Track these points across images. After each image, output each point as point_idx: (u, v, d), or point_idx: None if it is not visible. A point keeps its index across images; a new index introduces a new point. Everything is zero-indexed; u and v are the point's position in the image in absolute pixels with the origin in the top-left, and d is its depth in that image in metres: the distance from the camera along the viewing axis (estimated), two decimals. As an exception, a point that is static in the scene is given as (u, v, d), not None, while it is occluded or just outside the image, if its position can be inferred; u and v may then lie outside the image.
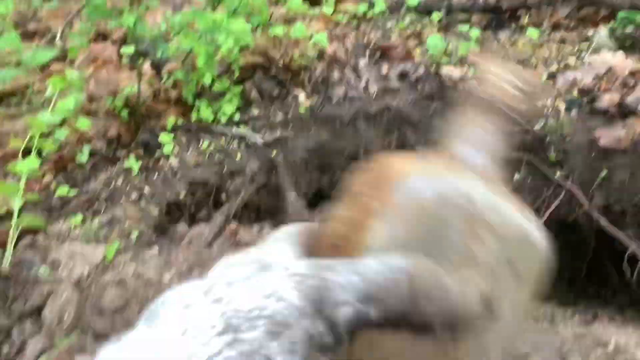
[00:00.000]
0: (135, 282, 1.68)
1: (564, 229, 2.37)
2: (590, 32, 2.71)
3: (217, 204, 2.25)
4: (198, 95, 2.35)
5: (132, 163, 2.15)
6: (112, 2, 2.46)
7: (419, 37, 2.65)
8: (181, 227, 2.11)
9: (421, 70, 2.43)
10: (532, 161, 2.24)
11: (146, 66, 2.54)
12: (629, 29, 2.54)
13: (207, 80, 2.21)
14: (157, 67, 2.55)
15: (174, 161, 2.21)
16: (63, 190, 2.02)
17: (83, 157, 2.15)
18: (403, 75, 2.47)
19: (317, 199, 2.69)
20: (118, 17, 2.04)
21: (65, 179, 2.10)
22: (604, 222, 2.06)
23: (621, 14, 2.53)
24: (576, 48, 2.52)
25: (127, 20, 1.96)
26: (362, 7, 2.95)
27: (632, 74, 2.23)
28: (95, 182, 2.11)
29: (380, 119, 2.45)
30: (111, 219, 1.94)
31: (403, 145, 2.51)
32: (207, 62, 2.18)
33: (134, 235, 1.90)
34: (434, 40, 2.43)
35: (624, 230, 2.07)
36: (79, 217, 1.93)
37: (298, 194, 2.43)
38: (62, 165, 2.15)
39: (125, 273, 1.70)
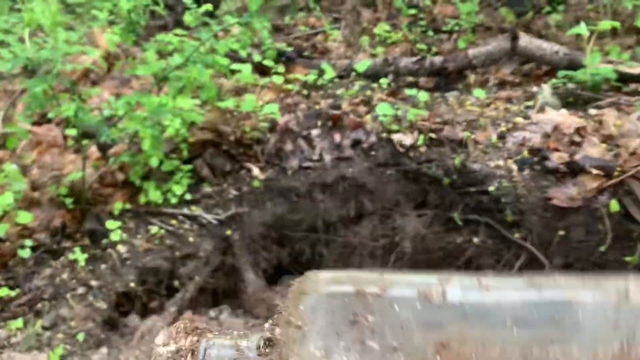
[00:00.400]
0: (80, 394, 1.54)
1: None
2: (534, 89, 2.78)
3: (171, 291, 2.14)
4: (146, 177, 2.27)
5: (78, 255, 2.04)
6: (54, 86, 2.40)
7: (368, 103, 2.66)
8: (132, 320, 1.99)
9: (373, 138, 2.42)
10: (489, 223, 2.23)
11: (92, 149, 2.46)
12: (570, 86, 2.62)
13: (154, 162, 2.14)
14: (103, 149, 2.48)
15: (122, 249, 2.11)
16: (2, 292, 1.88)
17: (25, 252, 2.02)
18: (356, 144, 2.46)
19: (278, 274, 2.61)
20: (57, 106, 1.97)
21: (5, 278, 1.96)
22: (566, 282, 2.04)
23: (560, 72, 2.62)
24: (522, 106, 2.57)
25: (66, 110, 1.89)
26: (311, 75, 2.97)
27: (578, 130, 2.27)
28: (38, 279, 1.98)
29: (336, 188, 2.42)
30: (55, 320, 1.81)
31: (361, 214, 2.47)
32: (154, 144, 2.12)
33: (81, 336, 1.77)
34: (384, 108, 2.45)
35: (586, 288, 2.06)
36: (19, 321, 1.80)
37: (257, 272, 2.35)
38: (1, 263, 2.02)
39: (69, 384, 1.57)
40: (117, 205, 2.22)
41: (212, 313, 2.15)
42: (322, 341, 0.58)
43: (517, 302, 0.59)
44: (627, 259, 1.92)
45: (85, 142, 2.26)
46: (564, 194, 2.08)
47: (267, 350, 0.61)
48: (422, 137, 2.34)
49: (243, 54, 2.45)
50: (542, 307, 0.58)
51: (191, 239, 2.20)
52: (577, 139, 2.26)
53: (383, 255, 2.50)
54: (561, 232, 2.06)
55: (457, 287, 0.60)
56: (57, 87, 2.30)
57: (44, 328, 1.78)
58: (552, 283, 0.61)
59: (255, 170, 2.44)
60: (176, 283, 2.14)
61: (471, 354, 0.58)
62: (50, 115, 2.39)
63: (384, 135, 2.43)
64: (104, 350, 1.78)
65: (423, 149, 2.35)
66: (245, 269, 2.29)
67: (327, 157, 2.44)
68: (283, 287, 2.55)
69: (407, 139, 2.36)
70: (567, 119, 2.35)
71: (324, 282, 0.63)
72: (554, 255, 2.10)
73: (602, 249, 1.98)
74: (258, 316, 2.24)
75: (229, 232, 2.29)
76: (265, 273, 2.46)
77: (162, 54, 2.58)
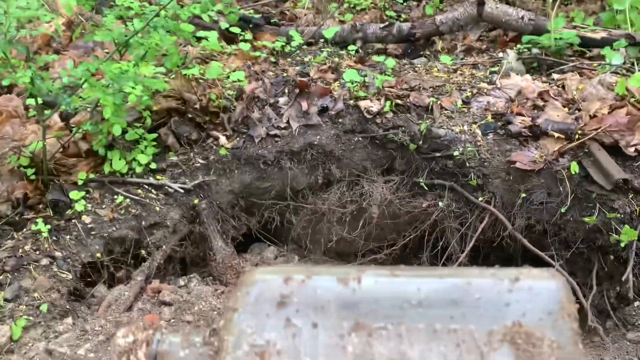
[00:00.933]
0: (45, 362, 1.54)
1: (494, 249, 2.40)
2: (500, 54, 2.80)
3: (138, 261, 2.13)
4: (110, 146, 2.23)
5: (41, 226, 2.01)
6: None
7: (336, 70, 2.64)
8: (99, 290, 1.99)
9: (340, 105, 2.42)
10: (454, 187, 2.26)
11: (54, 118, 2.41)
12: (535, 51, 2.64)
13: (117, 131, 2.10)
14: (65, 118, 2.42)
15: (87, 219, 2.08)
16: (-38, 264, 1.85)
17: (-15, 224, 1.99)
18: (323, 111, 2.45)
19: (248, 242, 2.62)
20: (12, 73, 1.90)
21: (-34, 251, 1.93)
22: (527, 243, 2.10)
23: (525, 38, 2.63)
24: (488, 72, 2.59)
25: (21, 78, 1.83)
26: (279, 42, 2.93)
27: (541, 95, 2.30)
28: (-1, 251, 1.95)
29: (304, 156, 2.42)
30: (17, 292, 1.79)
31: (329, 181, 2.48)
32: (116, 112, 2.08)
33: (44, 307, 1.76)
34: (351, 75, 2.43)
35: (546, 249, 2.12)
36: (-20, 294, 1.77)
37: (226, 240, 2.35)
38: (-39, 235, 1.98)
39: (34, 353, 1.56)
40: (81, 175, 2.18)
41: (182, 281, 2.15)
42: (253, 320, 0.66)
43: (422, 286, 0.68)
44: (586, 219, 1.98)
45: (46, 112, 2.21)
46: (527, 157, 2.12)
47: (211, 339, 0.70)
48: (389, 103, 2.34)
49: (206, 19, 2.39)
50: (444, 291, 0.67)
51: (158, 208, 2.18)
52: (540, 103, 2.29)
53: (351, 221, 2.52)
54: (523, 195, 2.10)
55: (371, 275, 0.70)
56: (16, 56, 2.23)
57: (6, 300, 1.77)
58: (454, 272, 0.72)
59: (222, 139, 2.42)
60: (143, 252, 2.13)
61: (382, 330, 0.66)
62: (4, 82, 2.32)
63: (352, 102, 2.42)
64: (69, 320, 1.77)
65: (390, 116, 2.35)
66: (214, 237, 2.29)
67: (295, 125, 2.43)
68: (253, 255, 2.56)
69: (374, 106, 2.36)
70: (531, 84, 2.38)
71: (260, 273, 0.71)
72: (517, 217, 2.15)
73: (563, 210, 2.03)
74: (227, 283, 2.25)
75: (196, 201, 2.28)
76: (234, 241, 2.47)
77: (123, 20, 2.51)
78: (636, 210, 1.90)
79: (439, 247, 2.39)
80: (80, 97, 2.22)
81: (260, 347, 0.66)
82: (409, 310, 0.67)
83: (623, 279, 1.88)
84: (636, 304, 1.93)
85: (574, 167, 2.03)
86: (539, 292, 0.67)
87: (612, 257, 1.98)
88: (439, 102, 2.35)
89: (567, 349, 0.64)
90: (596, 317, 1.96)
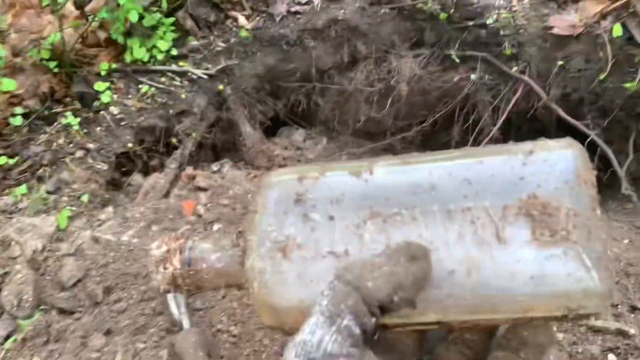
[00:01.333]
0: (93, 249, 1.63)
1: (526, 121, 2.34)
2: None
3: (170, 149, 2.16)
4: (128, 34, 2.17)
5: (71, 119, 2.03)
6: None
7: None
8: (135, 179, 2.04)
9: (364, -26, 2.26)
10: (487, 58, 2.16)
11: (69, 7, 2.33)
12: None
13: (133, 17, 2.03)
14: (80, 7, 2.34)
15: (115, 110, 2.09)
16: (2, 160, 1.91)
17: (17, 120, 2.01)
18: (346, -18, 2.30)
19: (276, 126, 2.61)
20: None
21: (3, 147, 1.97)
22: (562, 112, 2.03)
23: None
24: None
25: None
26: None
27: (584, -50, 2.09)
28: (35, 146, 1.99)
29: (328, 33, 2.31)
30: (58, 184, 1.85)
31: (355, 59, 2.39)
32: (130, -3, 1.99)
33: (85, 198, 1.82)
34: (374, -61, 2.24)
35: (582, 118, 2.05)
36: (23, 188, 1.84)
37: (254, 125, 2.34)
38: (-4, 132, 2.02)
39: (81, 240, 1.65)
40: (103, 66, 2.16)
41: (214, 167, 2.18)
42: (273, 219, 0.68)
43: (433, 170, 0.67)
44: (627, 85, 1.88)
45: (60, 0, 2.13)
46: (565, 21, 1.98)
47: (238, 240, 0.73)
48: (415, -31, 2.18)
49: None
50: (456, 171, 0.66)
51: (183, 96, 2.16)
52: (583, -41, 2.09)
53: (379, 100, 2.46)
54: (560, 62, 2.00)
55: (383, 165, 0.70)
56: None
57: (48, 192, 1.83)
58: (466, 152, 0.68)
59: (242, 19, 2.32)
60: (174, 140, 2.15)
61: (396, 216, 0.67)
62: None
63: (376, -30, 2.26)
64: (109, 209, 1.84)
65: (418, -17, 2.19)
66: (242, 123, 2.28)
67: None
68: (282, 138, 2.57)
69: (400, -27, 2.19)
70: (574, -63, 2.16)
71: (275, 175, 0.72)
72: (552, 87, 2.06)
73: (602, 77, 1.93)
74: (259, 167, 2.28)
75: (221, 87, 2.24)
76: (262, 125, 2.46)
77: None
78: (682, 73, 1.79)
79: (470, 122, 2.33)
80: (92, -18, 2.12)
81: (281, 243, 0.68)
82: (422, 195, 0.67)
83: (662, 145, 1.83)
84: (673, 170, 1.89)
85: (617, 30, 1.89)
86: (554, 162, 0.64)
87: (651, 123, 1.91)
88: (471, -35, 2.17)
89: (585, 214, 0.63)
90: (630, 185, 1.94)
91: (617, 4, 1.93)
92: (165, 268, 0.74)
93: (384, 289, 0.56)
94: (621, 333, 1.25)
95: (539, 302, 0.62)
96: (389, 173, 0.70)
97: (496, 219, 0.64)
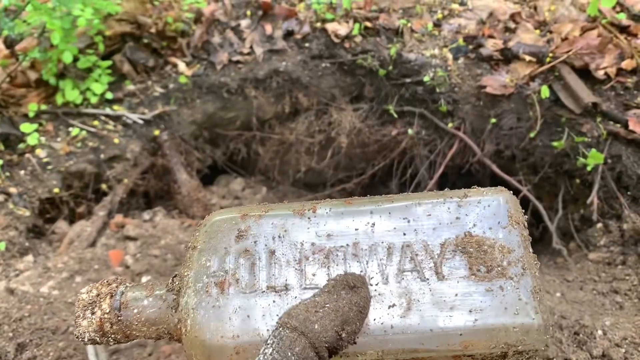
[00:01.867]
0: (6, 302, 1.48)
1: (462, 177, 2.41)
2: (471, -25, 2.69)
3: (99, 196, 2.05)
4: (61, 75, 2.09)
5: (-8, 161, 1.89)
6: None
7: (301, -9, 2.50)
8: (59, 226, 1.91)
9: (307, 28, 2.30)
10: (424, 114, 2.22)
11: (-3, 45, 2.23)
12: (507, -30, 2.54)
13: (67, 59, 1.95)
14: (10, 45, 2.24)
15: (42, 153, 1.97)
16: None
17: None
18: (289, 35, 2.33)
19: (214, 174, 2.55)
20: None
21: None
22: (495, 168, 2.10)
23: (498, -44, 2.51)
24: (459, -7, 2.48)
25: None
26: (239, -39, 2.74)
27: (512, 17, 2.23)
28: (-52, 188, 1.83)
29: (270, 83, 2.32)
30: (-29, 230, 1.70)
31: (297, 110, 2.40)
32: (65, 38, 1.92)
33: (2, 245, 1.68)
34: (316, -5, 2.30)
35: (514, 174, 2.12)
36: None
37: (190, 172, 2.28)
38: None
39: (-6, 292, 1.50)
40: (32, 107, 2.05)
41: (146, 215, 2.09)
42: (212, 254, 0.68)
43: (374, 210, 0.72)
44: (555, 144, 1.97)
45: (-13, 37, 2.03)
46: (497, 81, 2.08)
47: (174, 284, 0.71)
48: (357, 26, 2.24)
49: None
50: (396, 212, 0.71)
51: (116, 141, 2.08)
52: (511, 25, 2.22)
53: (320, 151, 2.47)
54: (493, 120, 2.08)
55: (326, 205, 0.73)
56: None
57: (-39, 239, 1.68)
58: (406, 196, 0.73)
59: (182, 66, 2.29)
60: (104, 186, 2.04)
61: (338, 252, 0.69)
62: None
63: (318, 25, 2.31)
64: (29, 258, 1.71)
65: (358, 40, 2.26)
66: (178, 170, 2.21)
67: (259, 50, 2.32)
68: (220, 187, 2.51)
69: (342, 29, 2.25)
70: (502, 5, 2.30)
71: (218, 213, 0.73)
72: (486, 143, 2.13)
73: (532, 135, 2.02)
74: (194, 216, 2.20)
75: (157, 132, 2.18)
76: (199, 173, 2.40)
77: None
78: (603, 134, 1.89)
79: (408, 175, 2.37)
80: (25, 22, 2.04)
81: (219, 277, 0.67)
82: (363, 232, 0.70)
83: (588, 201, 1.91)
84: (598, 225, 1.96)
85: (545, 91, 2.00)
86: (487, 204, 0.69)
87: (578, 180, 2.00)
88: (409, 24, 2.26)
89: (518, 252, 0.66)
90: (560, 239, 2.00)
91: (544, 67, 2.05)
92: (92, 313, 0.68)
93: (331, 328, 0.54)
94: (558, 387, 1.24)
95: (478, 337, 0.63)
96: (332, 212, 0.71)
97: (435, 256, 0.67)
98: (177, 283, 0.70)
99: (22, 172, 1.93)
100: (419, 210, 0.69)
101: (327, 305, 0.57)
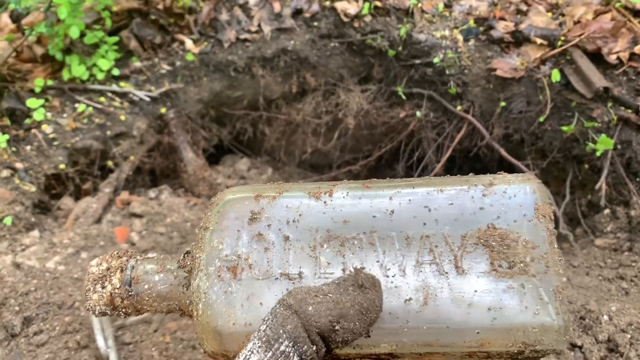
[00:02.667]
0: (13, 276, 1.49)
1: (469, 160, 2.39)
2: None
3: (105, 172, 2.04)
4: (67, 50, 2.07)
5: (-2, 136, 1.89)
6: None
7: (310, -31, 2.46)
8: (65, 202, 1.91)
9: (315, 7, 2.27)
10: (432, 96, 2.20)
11: (4, 19, 2.21)
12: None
13: (74, 34, 1.93)
14: (16, 19, 2.22)
15: (48, 129, 1.96)
16: None
17: (-64, 134, 1.85)
18: (297, 13, 2.30)
19: (219, 153, 2.54)
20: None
21: None
22: (504, 152, 2.08)
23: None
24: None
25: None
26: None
27: (525, -1, 2.20)
28: (-45, 162, 1.83)
29: (278, 62, 2.30)
30: (-22, 205, 1.70)
31: (304, 90, 2.38)
32: (72, 12, 1.91)
33: (8, 220, 1.68)
34: (326, -27, 2.27)
35: (523, 158, 2.11)
36: (-63, 206, 1.68)
37: (196, 151, 2.27)
38: None
39: (1, 266, 1.50)
40: (38, 82, 2.04)
41: (152, 193, 2.09)
42: (225, 236, 0.66)
43: (394, 196, 0.67)
44: (564, 128, 1.95)
45: (-7, 11, 2.01)
46: (508, 64, 2.05)
47: (185, 261, 0.69)
48: (367, 5, 2.21)
49: None
50: (416, 199, 0.67)
51: (123, 117, 2.07)
52: (523, 7, 2.19)
53: (326, 132, 2.46)
54: (502, 103, 2.06)
55: (343, 188, 0.69)
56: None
57: (-33, 212, 1.68)
58: (427, 181, 0.69)
59: (189, 43, 2.27)
60: (110, 163, 2.04)
61: (354, 240, 0.65)
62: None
63: (328, 3, 2.28)
64: (35, 233, 1.71)
65: (368, 19, 2.23)
66: (184, 148, 2.20)
67: (267, 29, 2.29)
68: (225, 166, 2.50)
69: (351, 8, 2.22)
70: (516, -13, 2.26)
71: (231, 192, 0.70)
72: (495, 127, 2.11)
73: (541, 119, 2.00)
74: (200, 195, 2.19)
75: (163, 110, 2.17)
76: (205, 152, 2.39)
77: None
78: (614, 119, 1.87)
79: (415, 158, 2.36)
80: (31, -5, 2.03)
81: (232, 262, 0.65)
82: (381, 220, 0.66)
83: (596, 187, 1.89)
84: (606, 211, 1.95)
85: (555, 75, 1.97)
86: (513, 195, 0.66)
87: (586, 166, 1.98)
88: (419, 4, 2.23)
89: (542, 248, 0.63)
90: (567, 225, 1.99)
91: (555, 51, 2.03)
92: (103, 287, 0.67)
93: (325, 316, 0.53)
94: (563, 371, 1.25)
95: (495, 335, 0.60)
96: (349, 196, 0.68)
97: (455, 248, 0.64)
98: (189, 262, 0.69)
99: (29, 147, 1.93)
100: (441, 198, 0.66)
101: (330, 295, 0.55)
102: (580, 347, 1.30)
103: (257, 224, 0.66)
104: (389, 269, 0.63)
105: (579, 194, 2.08)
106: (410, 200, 0.66)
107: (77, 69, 2.04)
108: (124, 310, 0.69)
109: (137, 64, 2.18)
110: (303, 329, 0.52)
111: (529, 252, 0.63)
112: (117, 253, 0.69)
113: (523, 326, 0.60)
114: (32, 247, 1.62)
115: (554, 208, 0.68)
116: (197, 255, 0.65)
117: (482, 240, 0.64)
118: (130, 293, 0.66)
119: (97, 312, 0.68)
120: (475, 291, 0.61)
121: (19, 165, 1.87)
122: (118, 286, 0.67)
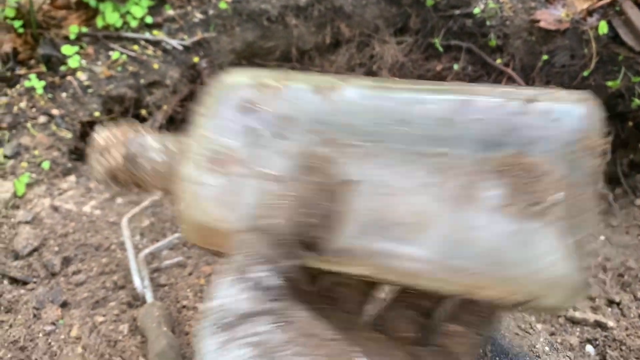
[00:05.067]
0: (51, 218, 1.52)
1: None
2: None
3: (139, 121, 2.05)
4: (101, -3, 2.06)
5: (35, 82, 1.90)
6: None
7: None
8: (101, 149, 1.93)
9: (351, -46, 2.20)
10: (471, 49, 2.13)
11: (37, -35, 2.20)
12: None
13: (108, -21, 1.91)
14: (50, -35, 2.21)
15: (82, 76, 1.97)
16: (-44, 120, 1.78)
17: (-25, 79, 1.88)
18: (332, -39, 2.23)
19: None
20: None
21: (-42, 107, 1.84)
22: (544, 108, 2.01)
23: None
24: None
25: None
26: None
27: (574, -54, 2.08)
28: (-6, 107, 1.86)
29: (311, 11, 2.24)
30: (18, 149, 1.73)
31: (338, 41, 2.33)
32: (105, -43, 1.88)
33: (46, 165, 1.71)
34: None
35: (564, 115, 2.04)
36: (-22, 150, 1.71)
37: (228, 102, 2.25)
38: (-49, 91, 1.88)
39: (40, 209, 1.54)
40: (73, 29, 2.04)
41: (184, 143, 2.09)
42: (217, 125, 0.59)
43: (411, 101, 0.56)
44: (609, 83, 1.88)
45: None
46: (552, 15, 1.96)
47: (182, 145, 0.63)
48: (405, -48, 2.13)
49: None
50: (438, 107, 0.55)
51: (156, 66, 2.06)
52: (572, -45, 2.07)
53: (359, 85, 2.41)
54: (545, 57, 1.98)
55: (356, 86, 0.58)
56: None
57: (6, 157, 1.71)
58: (458, 88, 0.56)
59: (222, -9, 2.23)
60: (144, 112, 2.04)
61: (355, 148, 0.56)
62: None
63: (364, -49, 2.20)
64: (72, 178, 1.74)
65: (405, -33, 2.15)
66: (216, 99, 2.19)
67: (301, -23, 2.23)
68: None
69: (388, -45, 2.14)
70: None
71: (232, 75, 0.63)
72: (535, 81, 2.04)
73: (585, 73, 1.92)
74: (232, 147, 2.19)
75: (196, 59, 2.15)
76: (237, 104, 2.37)
77: None
78: (663, 74, 1.79)
79: (450, 113, 2.30)
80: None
81: (220, 153, 0.59)
82: (392, 128, 0.56)
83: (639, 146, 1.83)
84: (648, 171, 1.90)
85: (603, 27, 1.88)
86: (557, 117, 0.51)
87: (631, 123, 1.91)
88: (460, -48, 2.13)
89: (579, 188, 0.50)
90: (607, 185, 1.94)
91: (604, 1, 1.93)
92: (105, 159, 0.67)
93: (290, 218, 0.48)
94: (599, 325, 1.23)
95: (491, 282, 0.52)
96: (360, 97, 0.58)
97: (470, 172, 0.53)
98: (184, 145, 0.63)
99: (64, 94, 1.94)
100: (469, 111, 0.53)
101: (278, 192, 0.50)
102: (619, 304, 1.28)
103: (251, 115, 0.59)
104: (389, 185, 0.55)
105: (621, 153, 2.01)
106: (429, 109, 0.55)
107: (110, 15, 2.03)
108: (125, 183, 0.69)
109: (170, 12, 2.16)
110: (276, 245, 0.47)
111: (559, 190, 0.50)
112: (122, 126, 0.66)
113: (535, 275, 0.50)
114: (69, 192, 1.65)
115: (607, 140, 0.54)
116: (188, 141, 0.61)
117: (506, 167, 0.52)
118: (129, 167, 0.63)
119: (101, 181, 0.68)
120: (484, 226, 0.51)
121: (55, 111, 1.89)
122: (120, 160, 0.66)
